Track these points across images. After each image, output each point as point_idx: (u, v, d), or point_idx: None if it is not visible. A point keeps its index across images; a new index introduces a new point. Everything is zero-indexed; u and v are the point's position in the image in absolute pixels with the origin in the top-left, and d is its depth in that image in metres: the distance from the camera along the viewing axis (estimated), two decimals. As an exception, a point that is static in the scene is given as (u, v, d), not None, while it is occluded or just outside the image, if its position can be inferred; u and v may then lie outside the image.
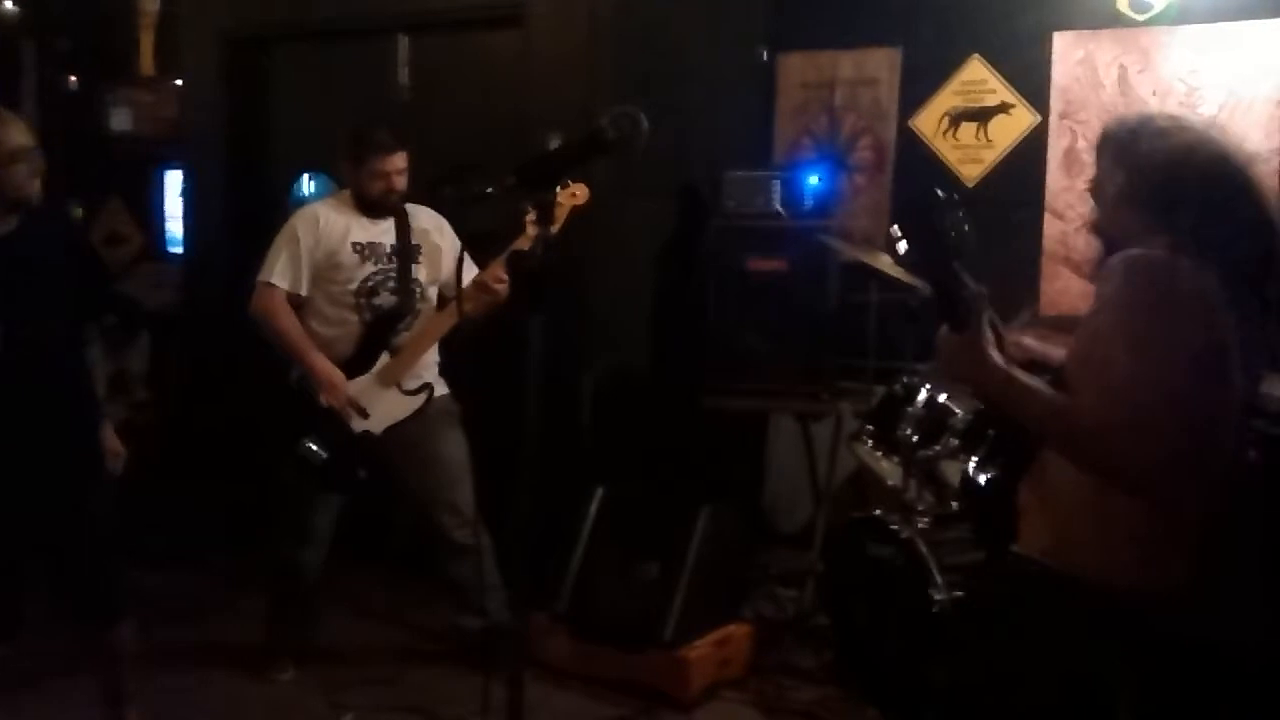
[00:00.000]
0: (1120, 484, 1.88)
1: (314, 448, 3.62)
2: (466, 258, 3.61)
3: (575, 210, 3.54)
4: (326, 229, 3.71)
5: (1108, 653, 1.95)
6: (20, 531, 2.97)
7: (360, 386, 3.68)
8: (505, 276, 3.55)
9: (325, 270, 3.71)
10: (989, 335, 1.96)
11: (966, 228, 1.82)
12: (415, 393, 3.74)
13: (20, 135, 2.89)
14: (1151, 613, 1.92)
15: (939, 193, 1.88)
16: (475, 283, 3.56)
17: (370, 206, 3.74)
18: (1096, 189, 2.07)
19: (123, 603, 3.13)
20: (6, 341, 2.85)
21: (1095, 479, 1.91)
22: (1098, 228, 2.08)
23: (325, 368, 3.65)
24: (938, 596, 3.27)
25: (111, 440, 3.20)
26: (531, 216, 2.89)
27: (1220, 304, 1.87)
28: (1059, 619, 1.96)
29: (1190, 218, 1.89)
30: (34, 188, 2.92)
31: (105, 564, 3.07)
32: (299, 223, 3.74)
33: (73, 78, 5.92)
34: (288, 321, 3.68)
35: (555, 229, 3.46)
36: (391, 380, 3.71)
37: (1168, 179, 1.94)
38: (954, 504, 3.59)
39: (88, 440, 3.10)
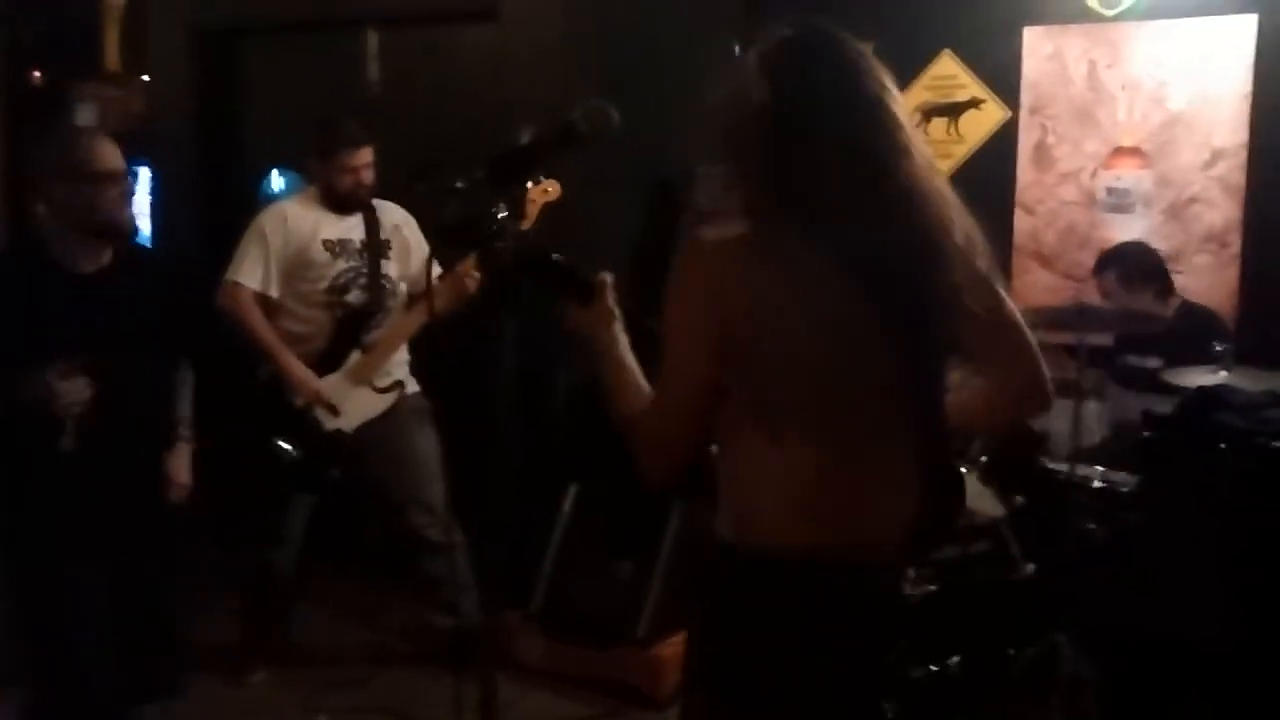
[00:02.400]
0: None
1: (285, 446, 3.59)
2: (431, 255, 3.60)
3: (548, 206, 3.53)
4: (295, 227, 3.68)
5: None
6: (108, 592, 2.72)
7: (331, 384, 3.66)
8: (474, 273, 3.54)
9: (296, 269, 3.68)
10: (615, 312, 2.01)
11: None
12: (386, 390, 3.72)
13: (112, 158, 2.71)
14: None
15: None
16: (447, 279, 3.55)
17: (338, 202, 3.71)
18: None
19: (178, 681, 2.94)
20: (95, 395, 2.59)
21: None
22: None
23: (296, 366, 3.62)
24: (909, 591, 3.28)
25: (176, 467, 2.92)
26: (503, 212, 2.87)
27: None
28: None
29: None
30: (126, 216, 2.76)
31: (167, 636, 2.90)
32: (266, 221, 3.70)
33: (37, 73, 5.84)
34: (256, 320, 3.65)
35: (528, 225, 3.48)
36: (363, 378, 3.68)
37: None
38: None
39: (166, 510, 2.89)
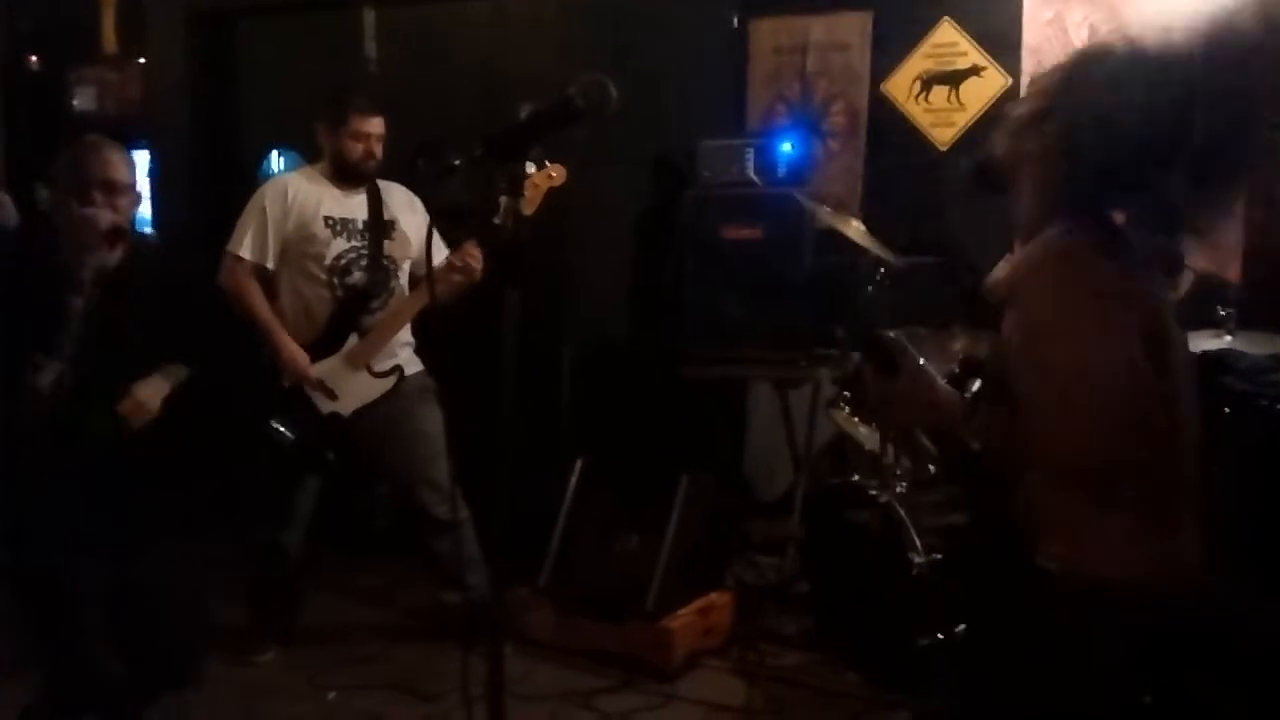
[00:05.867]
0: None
1: (281, 428, 3.59)
2: (436, 237, 3.58)
3: (552, 191, 3.52)
4: (297, 201, 3.66)
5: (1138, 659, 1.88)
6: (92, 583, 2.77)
7: (327, 368, 3.64)
8: (478, 254, 3.53)
9: (297, 244, 3.66)
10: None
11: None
12: (385, 375, 3.70)
13: (124, 170, 2.87)
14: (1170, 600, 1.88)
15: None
16: (448, 264, 3.53)
17: (347, 174, 3.69)
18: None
19: (196, 668, 2.97)
20: (68, 384, 2.69)
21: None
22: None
23: (289, 347, 3.60)
24: (916, 560, 3.29)
25: (144, 390, 2.87)
26: (503, 190, 2.87)
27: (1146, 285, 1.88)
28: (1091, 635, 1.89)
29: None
30: (127, 224, 2.86)
31: (182, 626, 2.94)
32: (268, 193, 3.68)
33: (34, 58, 5.82)
34: (255, 297, 3.64)
35: (532, 210, 3.47)
36: (361, 362, 3.66)
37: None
38: (930, 468, 3.61)
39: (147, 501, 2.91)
